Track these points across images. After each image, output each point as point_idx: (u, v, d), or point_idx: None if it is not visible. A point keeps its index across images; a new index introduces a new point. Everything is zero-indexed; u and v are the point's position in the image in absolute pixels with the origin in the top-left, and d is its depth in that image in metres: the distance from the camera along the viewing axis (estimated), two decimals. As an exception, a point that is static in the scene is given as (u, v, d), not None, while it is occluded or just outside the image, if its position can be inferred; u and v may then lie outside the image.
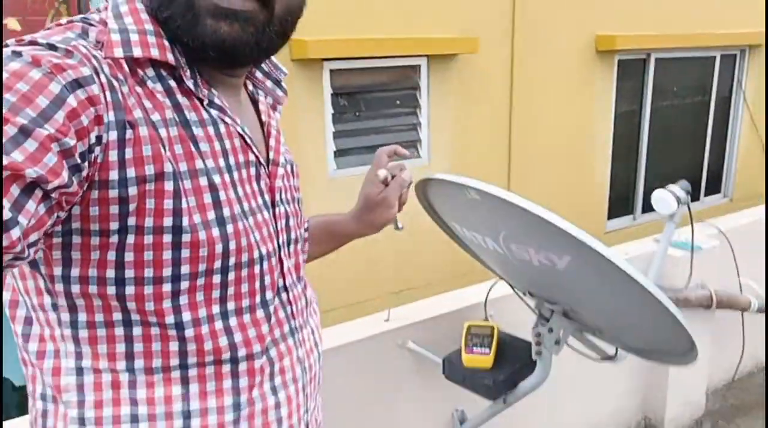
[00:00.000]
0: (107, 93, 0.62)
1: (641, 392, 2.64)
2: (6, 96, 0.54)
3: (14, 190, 0.53)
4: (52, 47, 0.61)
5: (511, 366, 1.67)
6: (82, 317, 0.68)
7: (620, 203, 5.19)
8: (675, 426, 2.68)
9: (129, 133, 0.63)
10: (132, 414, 0.70)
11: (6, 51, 0.59)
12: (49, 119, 0.55)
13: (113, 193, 0.62)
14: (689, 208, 1.74)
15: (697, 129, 5.59)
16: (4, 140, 0.53)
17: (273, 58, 0.86)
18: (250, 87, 0.86)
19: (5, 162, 0.52)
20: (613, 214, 5.12)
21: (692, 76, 5.36)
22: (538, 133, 4.37)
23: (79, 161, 0.58)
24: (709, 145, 5.67)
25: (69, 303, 0.67)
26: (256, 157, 0.76)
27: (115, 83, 0.63)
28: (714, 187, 5.89)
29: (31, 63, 0.57)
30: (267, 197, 0.78)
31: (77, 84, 0.59)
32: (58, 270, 0.66)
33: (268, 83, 0.89)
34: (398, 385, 1.88)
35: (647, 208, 5.37)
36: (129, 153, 0.63)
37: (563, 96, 4.47)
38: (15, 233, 0.54)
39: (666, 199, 1.67)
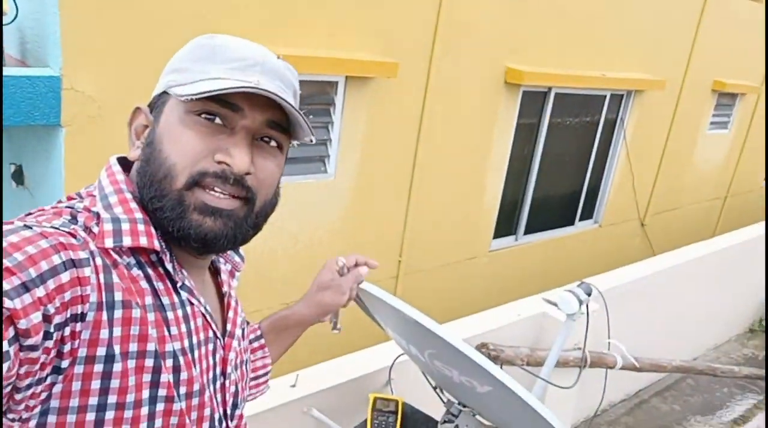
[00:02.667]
0: (101, 275, 0.69)
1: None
2: (16, 255, 0.62)
3: (9, 332, 0.59)
4: (56, 229, 0.69)
5: (412, 445, 1.75)
6: None
7: (505, 223, 5.49)
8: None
9: (119, 313, 0.70)
10: None
11: (18, 223, 0.68)
12: (44, 283, 0.63)
13: (98, 368, 0.68)
14: (587, 307, 1.89)
15: (581, 159, 6.01)
16: (7, 288, 0.60)
17: None
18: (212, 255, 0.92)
19: (9, 305, 0.59)
20: (497, 233, 5.40)
21: (584, 111, 5.74)
22: (442, 156, 4.50)
23: (51, 330, 0.63)
24: (589, 174, 6.12)
25: None
26: (214, 332, 0.84)
27: (109, 267, 0.71)
28: (587, 213, 6.38)
29: (41, 234, 0.66)
30: (219, 369, 0.85)
31: (73, 263, 0.66)
32: None
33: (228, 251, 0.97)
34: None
35: (529, 229, 5.72)
36: (118, 331, 0.69)
37: (469, 122, 4.61)
38: (6, 366, 0.60)
39: (569, 300, 1.81)
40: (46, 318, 0.62)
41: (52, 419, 0.67)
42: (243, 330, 0.96)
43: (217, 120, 0.76)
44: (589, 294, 1.84)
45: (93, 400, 0.68)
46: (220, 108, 0.76)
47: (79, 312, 0.66)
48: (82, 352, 0.67)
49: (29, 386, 0.65)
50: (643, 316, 3.38)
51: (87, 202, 0.77)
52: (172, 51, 0.83)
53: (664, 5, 5.90)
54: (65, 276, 0.65)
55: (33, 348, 0.62)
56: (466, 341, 2.35)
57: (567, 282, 2.70)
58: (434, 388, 1.71)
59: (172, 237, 0.77)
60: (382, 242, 4.40)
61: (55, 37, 2.68)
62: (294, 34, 3.38)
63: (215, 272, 0.94)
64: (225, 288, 0.92)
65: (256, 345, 1.17)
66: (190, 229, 0.76)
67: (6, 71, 2.59)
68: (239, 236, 0.80)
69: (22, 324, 0.60)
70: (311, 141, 0.85)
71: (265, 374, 1.19)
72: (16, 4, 2.58)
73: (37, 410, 0.67)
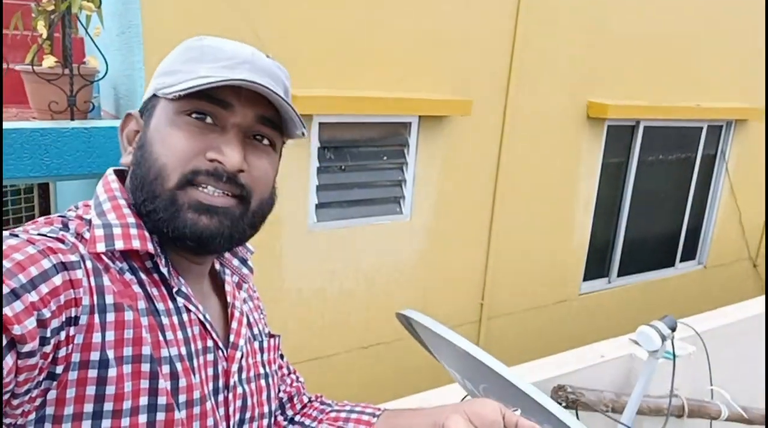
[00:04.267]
0: (92, 278, 0.68)
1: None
2: (3, 262, 0.61)
3: (3, 339, 0.58)
4: (43, 236, 0.68)
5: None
6: None
7: (596, 265, 5.19)
8: None
9: (111, 317, 0.68)
10: None
11: (4, 234, 0.67)
12: (36, 288, 0.61)
13: (92, 374, 0.66)
14: (673, 345, 1.70)
15: (679, 195, 5.64)
16: None
17: None
18: (217, 266, 0.91)
19: None
20: (588, 275, 5.12)
21: (678, 144, 5.41)
22: (523, 194, 4.36)
23: (48, 335, 0.62)
24: (688, 211, 5.72)
25: None
26: (215, 342, 0.81)
27: (101, 270, 0.70)
28: (690, 253, 5.93)
29: (28, 241, 0.65)
30: (221, 381, 0.82)
31: (64, 266, 0.65)
32: None
33: (235, 262, 0.94)
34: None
35: (623, 271, 5.38)
36: (110, 335, 0.68)
37: (551, 158, 4.46)
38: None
39: (650, 335, 1.63)
40: (42, 323, 0.61)
41: (48, 427, 0.66)
42: (261, 342, 0.92)
43: (208, 119, 0.76)
44: (673, 330, 1.66)
45: (88, 407, 0.67)
46: (209, 106, 0.75)
47: (72, 315, 0.65)
48: (76, 357, 0.65)
49: (27, 391, 0.63)
50: (750, 361, 3.03)
51: (81, 211, 0.77)
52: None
53: (760, 25, 5.53)
54: (57, 279, 0.64)
55: (31, 354, 0.61)
56: (540, 383, 2.19)
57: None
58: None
59: (167, 239, 0.76)
60: (462, 285, 4.28)
61: (141, 89, 2.87)
62: (368, 77, 3.44)
63: (221, 284, 0.91)
64: (229, 300, 0.89)
65: (365, 418, 1.00)
66: (185, 228, 0.74)
67: (96, 123, 2.79)
68: (236, 235, 0.78)
69: (17, 330, 0.59)
70: (303, 134, 0.83)
71: None
72: (106, 62, 2.79)
73: (32, 416, 0.66)
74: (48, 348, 0.62)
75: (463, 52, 3.78)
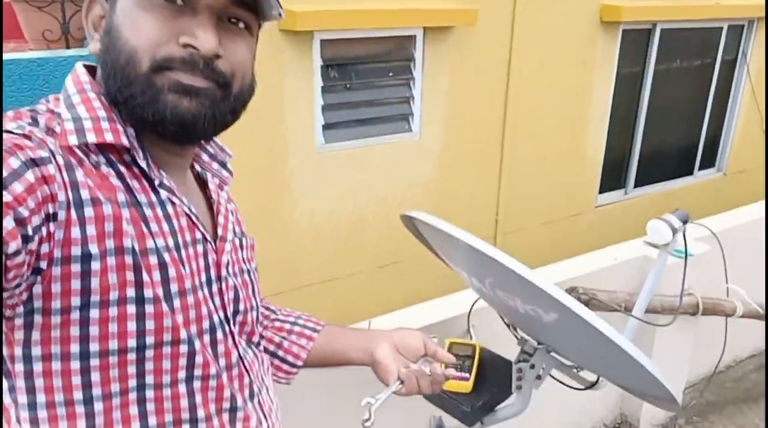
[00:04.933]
0: (65, 173, 0.66)
1: (617, 390, 2.65)
2: None
3: None
4: (9, 133, 0.65)
5: (489, 390, 1.64)
6: (41, 398, 0.70)
7: (613, 177, 5.12)
8: (651, 423, 2.71)
9: (90, 211, 0.67)
10: None
11: None
12: (8, 188, 0.59)
13: (75, 268, 0.65)
14: (684, 238, 1.68)
15: (698, 101, 5.47)
16: None
17: (218, 140, 0.92)
18: (198, 168, 0.91)
19: None
20: (604, 187, 5.06)
21: (697, 47, 5.20)
22: (535, 106, 4.25)
23: (30, 233, 0.61)
24: (708, 117, 5.56)
25: (28, 384, 0.69)
26: (203, 234, 0.81)
27: (73, 165, 0.67)
28: (709, 160, 5.82)
29: None
30: (213, 273, 0.81)
31: (34, 163, 0.62)
32: (19, 351, 0.68)
33: (214, 165, 0.92)
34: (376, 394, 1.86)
35: (640, 181, 5.30)
36: (91, 229, 0.66)
37: (563, 67, 4.32)
38: None
39: (660, 229, 1.61)
40: (20, 222, 0.60)
41: (38, 319, 0.67)
42: (241, 240, 0.92)
43: (178, 1, 0.71)
44: (684, 222, 1.63)
45: (75, 301, 0.67)
46: None
47: (50, 211, 0.63)
48: (57, 253, 0.65)
49: (17, 286, 0.64)
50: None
51: (51, 105, 0.74)
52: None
53: None
54: (30, 176, 0.61)
55: (16, 253, 0.60)
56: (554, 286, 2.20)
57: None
58: (508, 326, 1.59)
59: (147, 126, 0.73)
60: (476, 200, 4.25)
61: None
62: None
63: (203, 183, 0.90)
64: (214, 196, 0.89)
65: (307, 332, 1.11)
66: (166, 111, 0.71)
67: (92, 50, 2.73)
68: (218, 117, 0.75)
69: None
70: (280, 15, 0.78)
71: (293, 365, 1.11)
72: None
73: (20, 309, 0.66)
74: (33, 246, 0.62)
75: (467, -43, 3.60)
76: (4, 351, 0.68)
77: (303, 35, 3.11)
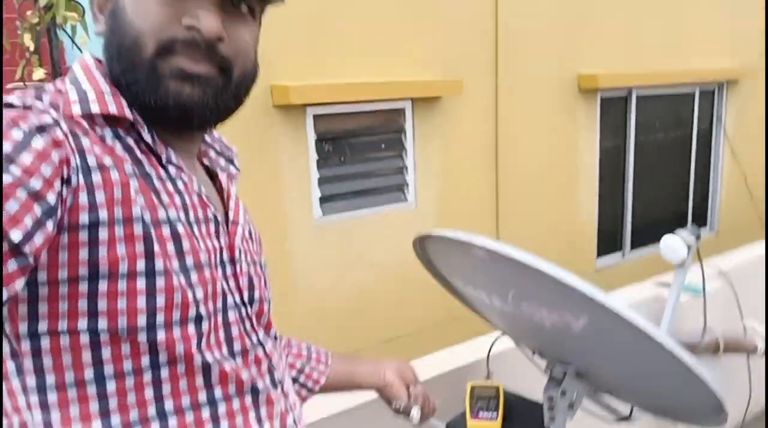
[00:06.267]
0: (71, 139, 0.63)
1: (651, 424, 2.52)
2: None
3: None
4: (9, 106, 0.63)
5: (520, 429, 1.55)
6: (50, 379, 0.65)
7: (609, 240, 5.14)
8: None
9: (98, 177, 0.64)
10: None
11: None
12: (14, 161, 0.56)
13: (83, 237, 0.62)
14: (699, 254, 1.66)
15: (681, 162, 5.61)
16: None
17: (223, 139, 0.92)
18: (206, 162, 0.89)
19: None
20: (601, 251, 5.06)
21: (673, 112, 5.40)
22: (524, 172, 4.33)
23: (53, 204, 0.58)
24: (693, 178, 5.68)
25: (36, 364, 0.65)
26: (214, 215, 0.78)
27: (78, 134, 0.65)
28: (700, 220, 5.88)
29: None
30: (226, 254, 0.78)
31: (41, 129, 0.60)
32: (24, 327, 0.64)
33: (222, 161, 0.91)
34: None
35: (636, 243, 5.32)
36: (100, 196, 0.64)
37: (548, 134, 4.45)
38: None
39: (675, 246, 1.58)
40: (36, 196, 0.57)
41: (43, 291, 0.63)
42: (251, 232, 0.89)
43: None
44: (698, 238, 1.61)
45: (83, 271, 0.63)
46: None
47: (65, 175, 0.61)
48: (66, 219, 0.61)
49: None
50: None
51: (58, 85, 0.73)
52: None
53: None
54: (37, 143, 0.59)
55: (28, 238, 0.57)
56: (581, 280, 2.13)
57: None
58: (533, 354, 1.53)
59: (150, 112, 0.72)
60: (477, 269, 4.22)
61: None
62: (356, 63, 3.45)
63: (213, 174, 0.89)
64: (224, 184, 0.87)
65: (322, 359, 1.17)
66: (168, 98, 0.70)
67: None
68: (221, 104, 0.75)
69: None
70: (282, 0, 0.79)
71: (311, 390, 1.15)
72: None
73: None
74: (59, 214, 0.60)
75: (448, 30, 3.80)
76: (8, 330, 0.64)
77: (296, 110, 3.21)
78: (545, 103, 4.38)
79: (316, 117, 3.34)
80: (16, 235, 0.55)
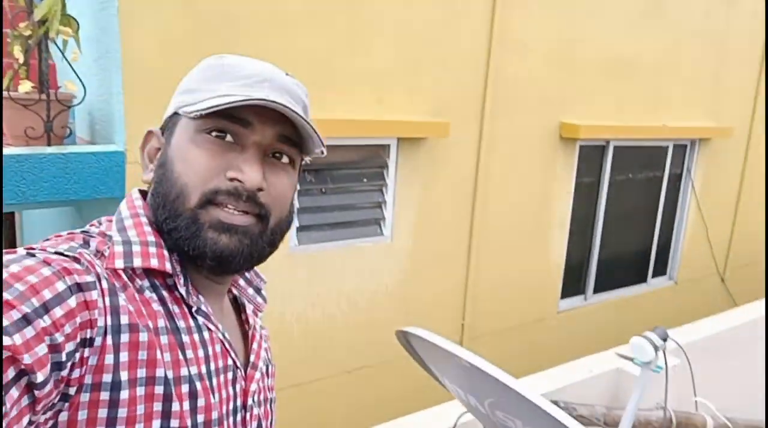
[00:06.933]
0: (107, 298, 0.67)
1: None
2: (16, 285, 0.59)
3: (10, 373, 0.56)
4: (60, 254, 0.67)
5: None
6: None
7: (573, 283, 5.26)
8: None
9: (126, 337, 0.67)
10: None
11: (21, 251, 0.66)
12: (49, 312, 0.60)
13: (104, 396, 0.64)
14: (665, 355, 1.73)
15: (648, 213, 5.77)
16: (6, 324, 0.56)
17: (255, 268, 0.92)
18: (235, 292, 0.92)
19: (7, 342, 0.56)
20: (565, 293, 5.17)
21: (646, 163, 5.55)
22: (500, 214, 4.41)
23: (63, 359, 0.60)
24: (658, 229, 5.85)
25: None
26: (234, 361, 0.82)
27: (117, 290, 0.69)
28: (661, 269, 6.06)
29: (43, 262, 0.64)
30: (239, 401, 0.82)
31: (79, 288, 0.64)
32: None
33: (250, 291, 0.94)
34: None
35: (598, 288, 5.46)
36: (124, 356, 0.66)
37: (527, 178, 4.53)
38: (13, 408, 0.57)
39: (644, 346, 1.65)
40: (55, 348, 0.60)
41: None
42: (268, 367, 0.93)
43: (228, 137, 0.76)
44: (664, 340, 1.68)
45: None
46: (229, 124, 0.76)
47: (88, 336, 0.64)
48: (88, 379, 0.64)
49: (43, 413, 0.62)
50: (730, 372, 3.09)
51: (104, 227, 0.77)
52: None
53: (723, 48, 5.75)
54: (72, 302, 0.62)
55: (44, 383, 0.59)
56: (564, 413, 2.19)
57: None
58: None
59: (188, 258, 0.76)
60: (443, 305, 4.28)
61: (119, 114, 2.83)
62: (344, 100, 3.46)
63: (240, 308, 0.92)
64: (251, 321, 0.91)
65: None
66: (206, 247, 0.74)
67: (74, 148, 2.74)
68: (255, 253, 0.79)
69: (26, 359, 0.57)
70: (322, 153, 0.84)
71: None
72: (84, 87, 2.75)
73: None
74: (65, 373, 0.62)
75: (439, 75, 3.84)
76: None
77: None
78: (527, 149, 4.47)
79: (301, 147, 3.34)
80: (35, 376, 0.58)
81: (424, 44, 3.71)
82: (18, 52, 2.52)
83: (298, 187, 0.87)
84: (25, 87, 2.55)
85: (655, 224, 5.81)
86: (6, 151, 2.59)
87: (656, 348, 1.67)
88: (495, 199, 4.33)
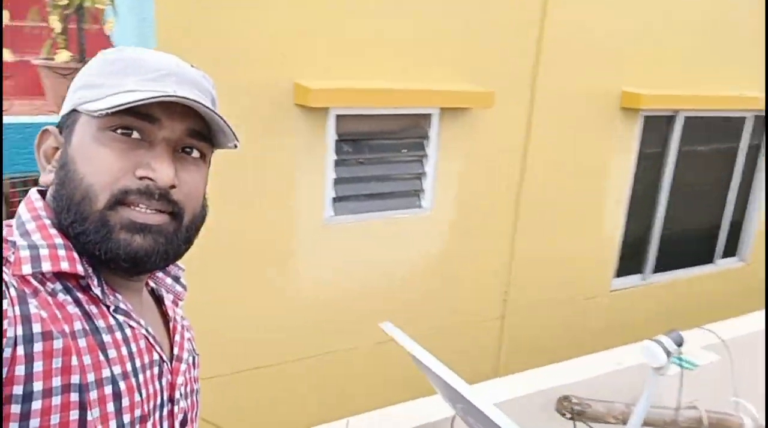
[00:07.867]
0: (16, 307, 0.64)
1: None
2: None
3: None
4: None
5: None
6: None
7: (630, 260, 5.01)
8: None
9: (39, 347, 0.64)
10: None
11: None
12: None
13: (15, 409, 0.62)
14: (680, 362, 1.61)
15: (720, 188, 5.39)
16: None
17: None
18: (152, 284, 0.91)
19: None
20: (621, 272, 4.95)
21: (720, 135, 5.16)
22: (550, 187, 4.22)
23: None
24: (731, 205, 5.46)
25: None
26: (160, 355, 0.81)
27: (27, 297, 0.66)
28: (730, 249, 5.68)
29: None
30: (166, 395, 0.81)
31: None
32: None
33: (168, 280, 0.93)
34: None
35: (659, 267, 5.18)
36: (38, 366, 0.64)
37: (580, 150, 4.30)
38: None
39: (654, 351, 1.54)
40: None
41: None
42: (193, 358, 0.91)
43: (135, 134, 0.73)
44: (679, 345, 1.56)
45: None
46: (136, 121, 0.73)
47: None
48: (17, 390, 0.63)
49: None
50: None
51: (5, 233, 0.73)
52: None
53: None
54: None
55: None
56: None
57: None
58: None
59: (99, 261, 0.74)
60: (485, 279, 4.19)
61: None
62: (387, 67, 3.36)
63: (159, 300, 0.91)
64: (170, 313, 0.90)
65: None
66: (119, 250, 0.72)
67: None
68: (171, 252, 0.78)
69: None
70: (235, 146, 0.80)
71: None
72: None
73: None
74: None
75: (487, 41, 3.66)
76: None
77: (318, 110, 3.16)
78: (582, 119, 4.23)
79: (339, 116, 3.29)
80: None
81: (470, 6, 3.53)
82: (55, 22, 2.57)
83: (208, 180, 0.84)
84: (63, 56, 2.61)
85: (726, 200, 5.42)
86: (48, 118, 2.68)
87: (668, 354, 1.55)
88: (545, 171, 4.14)
